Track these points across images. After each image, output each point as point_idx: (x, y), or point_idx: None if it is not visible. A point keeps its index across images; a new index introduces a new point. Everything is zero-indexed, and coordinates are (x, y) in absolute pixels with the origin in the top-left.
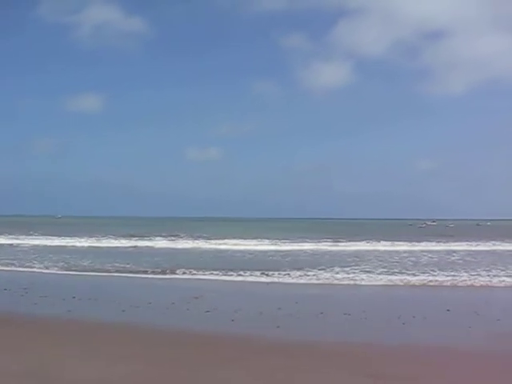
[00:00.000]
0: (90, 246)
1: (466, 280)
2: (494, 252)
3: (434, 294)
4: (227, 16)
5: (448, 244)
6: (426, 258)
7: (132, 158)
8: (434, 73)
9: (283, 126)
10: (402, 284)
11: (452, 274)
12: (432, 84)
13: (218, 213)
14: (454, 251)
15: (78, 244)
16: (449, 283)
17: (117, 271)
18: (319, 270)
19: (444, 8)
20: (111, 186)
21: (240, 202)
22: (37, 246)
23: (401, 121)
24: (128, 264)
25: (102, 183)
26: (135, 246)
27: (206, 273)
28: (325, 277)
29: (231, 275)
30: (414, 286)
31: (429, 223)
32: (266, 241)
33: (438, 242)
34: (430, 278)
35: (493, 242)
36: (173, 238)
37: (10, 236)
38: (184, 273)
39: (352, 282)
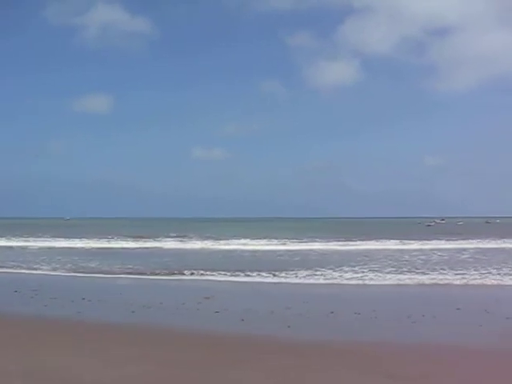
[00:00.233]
0: (98, 248)
1: (476, 278)
2: (504, 250)
3: (444, 293)
4: (233, 15)
5: (458, 242)
6: (435, 256)
7: (139, 159)
8: (441, 70)
9: (290, 124)
10: (411, 283)
11: (462, 272)
12: (439, 81)
13: (225, 213)
14: (464, 249)
15: (86, 246)
16: (459, 282)
17: (126, 272)
18: (328, 269)
19: (450, 5)
20: (118, 187)
21: (247, 202)
22: (46, 248)
23: (408, 118)
24: (137, 265)
25: (109, 184)
26: (144, 247)
27: (216, 273)
28: (334, 276)
29: (240, 275)
30: (423, 284)
31: (437, 221)
32: (275, 240)
33: (448, 240)
34: (440, 276)
35: (503, 239)
36: (181, 238)
37: (20, 238)
38: (193, 273)
39: (361, 282)
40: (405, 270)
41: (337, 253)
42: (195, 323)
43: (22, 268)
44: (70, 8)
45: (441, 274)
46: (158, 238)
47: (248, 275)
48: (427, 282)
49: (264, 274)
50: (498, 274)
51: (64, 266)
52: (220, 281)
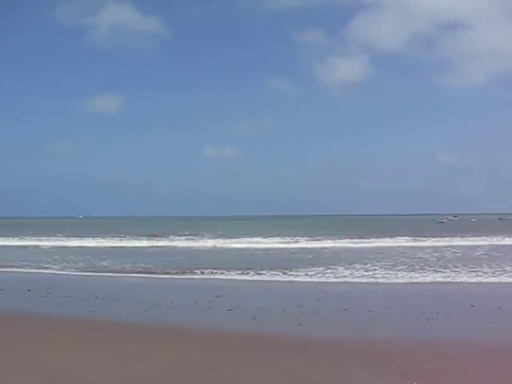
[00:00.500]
0: (111, 247)
1: (490, 275)
2: None
3: (458, 290)
4: (242, 14)
5: (471, 239)
6: (449, 253)
7: (149, 158)
8: (452, 65)
9: (300, 122)
10: (425, 280)
11: (476, 269)
12: (450, 76)
13: (234, 211)
14: (478, 246)
15: (99, 245)
16: (473, 279)
17: (138, 271)
18: (341, 266)
19: None
20: (129, 187)
21: (256, 200)
22: (59, 247)
23: (419, 114)
24: (149, 264)
25: (120, 183)
26: (156, 246)
27: (227, 272)
28: (347, 274)
29: (252, 274)
30: (437, 282)
31: (450, 218)
32: (287, 238)
33: (462, 237)
34: (454, 273)
35: None
36: (193, 237)
37: (33, 238)
38: (205, 272)
39: (374, 280)
40: (418, 267)
41: (350, 250)
42: (207, 321)
43: (35, 267)
44: (80, 8)
45: (455, 271)
46: (169, 236)
47: (260, 273)
48: (441, 279)
49: (276, 272)
50: None
51: (77, 265)
52: (232, 279)
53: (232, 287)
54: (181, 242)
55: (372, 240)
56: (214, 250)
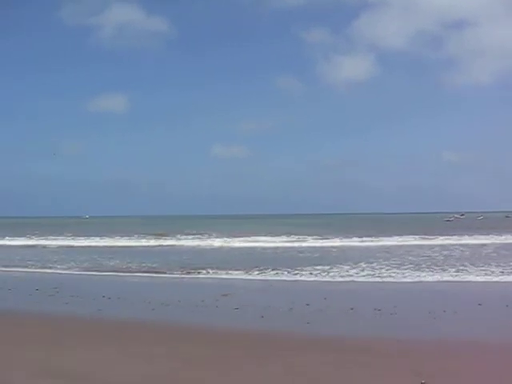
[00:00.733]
0: (118, 246)
1: (498, 274)
2: None
3: (466, 289)
4: (248, 13)
5: (479, 237)
6: (457, 251)
7: (156, 158)
8: (459, 62)
9: (306, 121)
10: (433, 279)
11: (484, 268)
12: (457, 74)
13: (242, 210)
14: (486, 245)
15: (106, 244)
16: (481, 278)
17: (145, 271)
18: (348, 265)
19: None
20: (136, 186)
21: (264, 199)
22: (66, 246)
23: (426, 112)
24: (156, 263)
25: (127, 183)
26: (164, 245)
27: (234, 270)
28: (353, 273)
29: (259, 272)
30: (445, 280)
31: (457, 216)
32: (295, 237)
33: (470, 235)
34: (462, 272)
35: None
36: (200, 236)
37: (40, 237)
38: (211, 271)
39: (381, 279)
40: (425, 265)
41: (358, 249)
42: (215, 320)
43: (42, 267)
44: (85, 8)
45: (462, 269)
46: (176, 235)
47: (267, 272)
48: (448, 278)
49: (283, 270)
50: None
51: (84, 265)
52: (238, 278)
53: (239, 286)
54: (188, 241)
55: (380, 239)
56: (221, 249)
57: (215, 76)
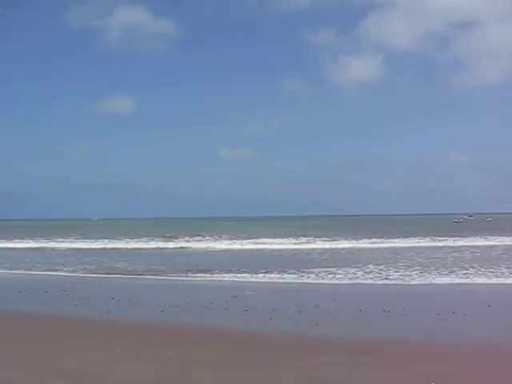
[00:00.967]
0: (126, 248)
1: (507, 275)
2: None
3: (475, 291)
4: (254, 14)
5: (489, 239)
6: (467, 253)
7: (163, 160)
8: (467, 63)
9: (313, 122)
10: (442, 281)
11: (493, 269)
12: (465, 74)
13: (249, 212)
14: (495, 246)
15: (114, 246)
16: (490, 280)
17: (153, 273)
18: (356, 267)
19: None
20: (144, 188)
21: (271, 201)
22: (74, 249)
23: (433, 113)
24: (164, 265)
25: (135, 185)
26: (171, 248)
27: (243, 272)
28: (362, 274)
29: (267, 274)
30: (454, 282)
31: (466, 217)
32: (303, 239)
33: (481, 236)
34: (471, 274)
35: None
36: (208, 237)
37: (48, 240)
38: (219, 273)
39: (389, 281)
40: (434, 267)
41: (367, 251)
42: (224, 322)
43: (51, 269)
44: (92, 11)
45: (472, 271)
46: (184, 237)
47: (275, 274)
48: (458, 279)
49: (292, 272)
50: None
51: (92, 267)
52: (247, 280)
53: (247, 288)
54: (195, 243)
55: (389, 240)
56: (229, 251)
57: (222, 78)
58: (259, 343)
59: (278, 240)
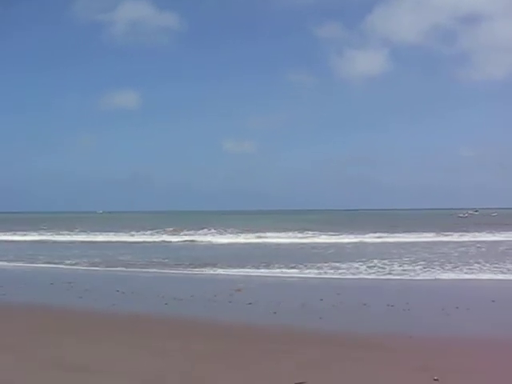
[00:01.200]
0: (131, 242)
1: None
2: None
3: (479, 286)
4: (259, 7)
5: (495, 234)
6: (472, 248)
7: (168, 153)
8: (473, 57)
9: (319, 116)
10: (446, 276)
11: (498, 265)
12: (471, 68)
13: (254, 205)
14: (501, 241)
15: (119, 239)
16: (495, 275)
17: (158, 266)
18: (361, 262)
19: None
20: (149, 181)
21: (276, 195)
22: (79, 242)
23: (440, 108)
24: (169, 258)
25: (140, 178)
26: (176, 241)
27: (247, 266)
28: (366, 269)
29: (272, 268)
30: (458, 277)
31: (471, 212)
32: (308, 233)
33: (486, 231)
34: (476, 269)
35: None
36: (213, 231)
37: (53, 232)
38: (224, 266)
39: (393, 275)
40: (439, 262)
41: (373, 245)
42: (228, 315)
43: (56, 262)
44: (97, 4)
45: (476, 266)
46: (189, 231)
47: (280, 268)
48: (462, 274)
49: (297, 266)
50: None
51: (97, 260)
52: (251, 274)
53: (252, 281)
54: (200, 237)
55: (394, 235)
56: (233, 244)
57: (226, 71)
58: (263, 336)
59: (283, 234)
